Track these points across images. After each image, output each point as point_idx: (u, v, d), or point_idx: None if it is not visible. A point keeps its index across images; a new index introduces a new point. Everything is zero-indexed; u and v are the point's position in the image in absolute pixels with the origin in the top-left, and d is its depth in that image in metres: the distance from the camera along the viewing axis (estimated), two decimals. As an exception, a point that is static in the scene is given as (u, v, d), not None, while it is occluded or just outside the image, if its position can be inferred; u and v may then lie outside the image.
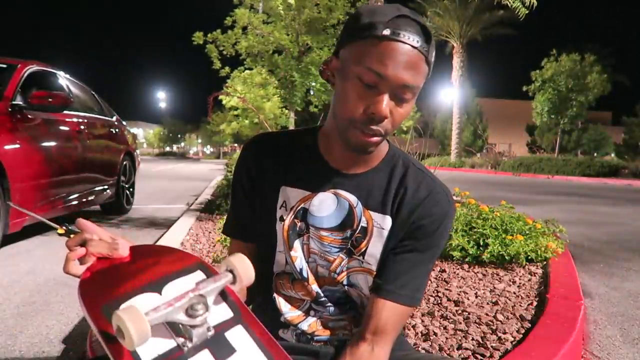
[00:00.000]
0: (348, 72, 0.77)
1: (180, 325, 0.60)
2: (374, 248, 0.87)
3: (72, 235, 0.71)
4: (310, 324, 0.92)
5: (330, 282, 0.90)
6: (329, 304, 0.92)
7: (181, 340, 0.60)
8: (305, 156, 0.90)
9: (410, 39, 0.73)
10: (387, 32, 0.73)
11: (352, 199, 0.87)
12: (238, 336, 0.63)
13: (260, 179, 0.91)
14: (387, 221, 0.86)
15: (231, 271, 0.64)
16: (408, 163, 0.90)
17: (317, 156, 0.90)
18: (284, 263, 0.91)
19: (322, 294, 0.91)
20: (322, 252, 0.89)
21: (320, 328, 0.92)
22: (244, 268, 0.65)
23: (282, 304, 0.92)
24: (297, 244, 0.89)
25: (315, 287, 0.90)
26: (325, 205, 0.87)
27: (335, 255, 0.88)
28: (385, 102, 0.75)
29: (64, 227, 0.74)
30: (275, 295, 0.92)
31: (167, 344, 0.60)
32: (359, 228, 0.87)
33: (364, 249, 0.87)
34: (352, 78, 0.77)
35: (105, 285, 0.65)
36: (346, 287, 0.90)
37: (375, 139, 0.79)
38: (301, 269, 0.90)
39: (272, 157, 0.91)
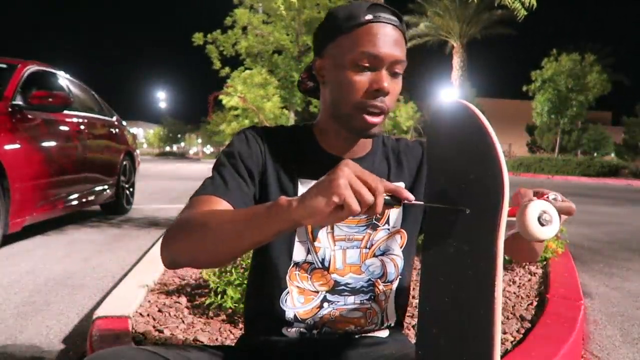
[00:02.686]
0: (343, 63, 0.83)
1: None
2: (396, 213, 0.94)
3: None
4: (321, 317, 0.91)
5: (356, 270, 0.91)
6: (347, 293, 0.92)
7: None
8: (310, 150, 0.93)
9: (390, 19, 0.82)
10: (369, 17, 0.81)
11: None
12: None
13: (271, 167, 0.90)
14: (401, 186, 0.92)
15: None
16: (387, 137, 1.01)
17: (321, 149, 0.93)
18: (305, 253, 0.90)
19: (341, 283, 0.91)
20: (349, 235, 0.92)
21: (332, 320, 0.91)
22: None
23: (294, 295, 0.91)
24: (321, 234, 0.91)
25: (335, 277, 0.91)
26: None
27: (363, 233, 0.92)
28: (386, 77, 0.82)
29: None
30: (288, 285, 0.91)
31: None
32: None
33: (386, 219, 0.94)
34: (349, 66, 0.82)
35: None
36: (380, 256, 0.93)
37: (380, 118, 0.85)
38: (323, 259, 0.90)
39: (280, 148, 0.92)
